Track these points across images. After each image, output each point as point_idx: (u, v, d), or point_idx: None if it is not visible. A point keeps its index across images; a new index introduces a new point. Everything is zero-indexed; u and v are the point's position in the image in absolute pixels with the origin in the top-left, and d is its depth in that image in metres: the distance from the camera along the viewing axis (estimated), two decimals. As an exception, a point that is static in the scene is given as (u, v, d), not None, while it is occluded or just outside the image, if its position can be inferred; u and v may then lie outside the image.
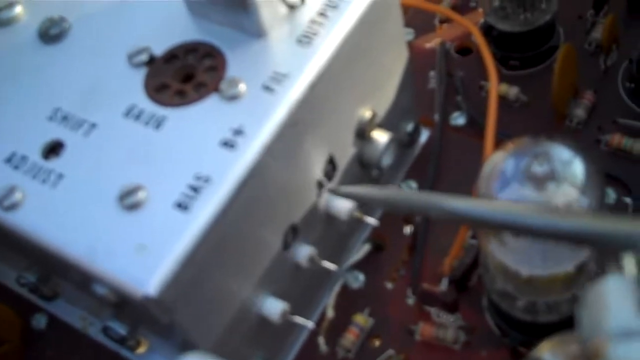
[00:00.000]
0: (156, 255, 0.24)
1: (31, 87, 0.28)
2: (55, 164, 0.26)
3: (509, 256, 0.25)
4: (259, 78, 0.26)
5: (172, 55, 0.28)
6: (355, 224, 0.33)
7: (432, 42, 0.39)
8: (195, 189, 0.25)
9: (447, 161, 0.35)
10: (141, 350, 0.33)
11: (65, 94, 0.28)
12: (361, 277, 0.33)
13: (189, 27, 0.28)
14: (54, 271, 0.31)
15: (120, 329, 0.31)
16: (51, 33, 0.29)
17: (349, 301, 0.32)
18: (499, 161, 0.25)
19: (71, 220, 0.25)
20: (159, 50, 0.28)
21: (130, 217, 0.25)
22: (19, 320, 0.34)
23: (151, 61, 0.28)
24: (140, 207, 0.25)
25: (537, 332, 0.28)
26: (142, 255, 0.24)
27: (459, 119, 0.36)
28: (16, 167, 0.26)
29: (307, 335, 0.32)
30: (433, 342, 0.31)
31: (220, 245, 0.25)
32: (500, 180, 0.25)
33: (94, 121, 0.27)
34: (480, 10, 0.39)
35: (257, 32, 0.27)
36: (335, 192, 0.29)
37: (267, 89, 0.26)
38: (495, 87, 0.32)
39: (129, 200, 0.25)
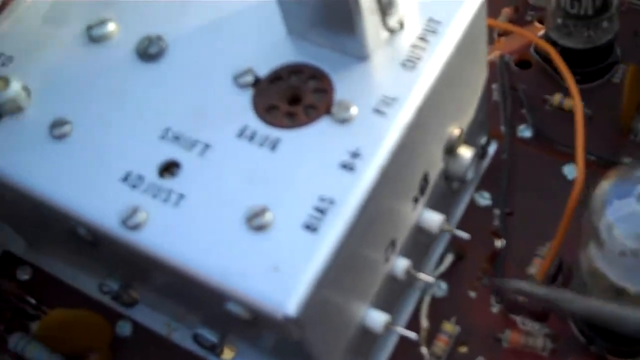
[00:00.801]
0: (291, 276, 0.25)
1: (137, 106, 0.29)
2: (174, 183, 0.27)
3: (616, 272, 0.27)
4: (369, 101, 0.27)
5: (276, 77, 0.29)
6: (434, 235, 0.34)
7: (491, 55, 0.40)
8: (321, 211, 0.26)
9: (517, 173, 0.36)
10: (227, 356, 0.34)
11: (172, 113, 0.29)
12: (444, 286, 0.34)
13: (288, 49, 0.29)
14: (160, 285, 0.31)
15: (211, 336, 0.32)
16: (150, 52, 0.30)
17: (434, 310, 0.33)
18: (611, 187, 0.26)
19: (199, 241, 0.26)
20: (261, 71, 0.29)
21: (259, 238, 0.25)
22: (110, 327, 0.35)
23: (256, 82, 0.29)
24: (268, 228, 0.25)
25: (625, 340, 0.30)
26: (277, 275, 0.25)
27: (525, 132, 0.37)
28: (134, 187, 0.27)
29: (394, 344, 0.33)
30: (520, 350, 0.32)
31: (344, 263, 0.26)
32: (614, 200, 0.26)
33: (207, 141, 0.28)
34: (537, 24, 0.40)
35: (361, 55, 0.28)
36: (503, 285, 0.31)
37: (378, 112, 0.27)
38: (579, 104, 0.33)
39: (256, 222, 0.26)
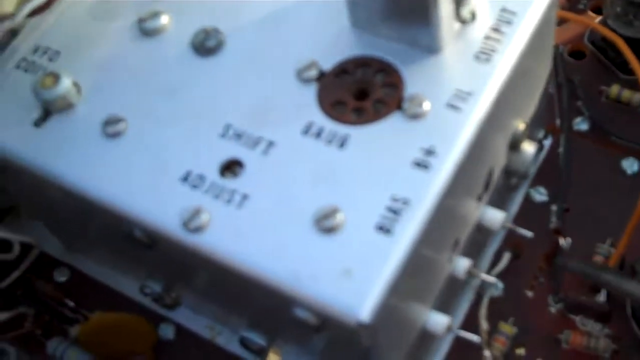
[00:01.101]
0: (365, 280, 0.23)
1: (195, 103, 0.28)
2: (237, 183, 0.26)
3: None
4: (441, 96, 0.26)
5: (341, 71, 0.27)
6: (493, 233, 0.33)
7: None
8: (394, 211, 0.24)
9: (574, 167, 0.35)
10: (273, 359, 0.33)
11: (233, 110, 0.27)
12: (500, 285, 0.33)
13: (354, 41, 0.28)
14: (209, 287, 0.30)
15: (259, 339, 0.31)
16: (208, 45, 0.28)
17: (491, 310, 0.32)
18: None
19: (266, 244, 0.25)
20: (326, 65, 0.28)
21: (330, 241, 0.24)
22: (154, 331, 0.33)
23: (321, 76, 0.27)
24: (339, 230, 0.24)
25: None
26: (350, 280, 0.24)
27: (581, 125, 0.36)
28: (195, 187, 0.26)
29: (448, 347, 0.32)
30: (580, 351, 0.31)
31: (415, 266, 0.25)
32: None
33: (271, 139, 0.26)
34: (590, 13, 0.39)
35: (433, 48, 0.27)
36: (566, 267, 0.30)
37: (452, 107, 0.26)
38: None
39: (326, 223, 0.24)
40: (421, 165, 0.25)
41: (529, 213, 0.35)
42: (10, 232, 0.35)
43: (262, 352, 0.32)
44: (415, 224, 0.24)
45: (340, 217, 0.24)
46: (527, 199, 0.35)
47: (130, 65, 0.29)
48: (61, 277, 0.36)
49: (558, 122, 0.36)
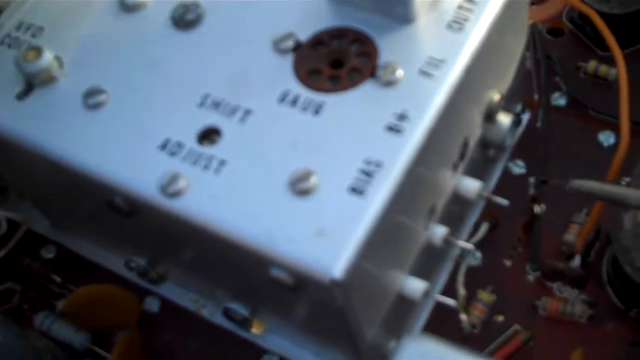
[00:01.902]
0: (338, 240, 0.24)
1: (174, 74, 0.28)
2: (214, 150, 0.26)
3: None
4: (414, 63, 0.27)
5: (317, 41, 0.28)
6: (467, 203, 0.34)
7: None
8: (367, 174, 0.25)
9: (552, 141, 0.36)
10: (257, 330, 0.34)
11: (211, 80, 0.28)
12: (478, 255, 0.34)
13: (329, 13, 0.28)
14: (192, 257, 0.31)
15: (242, 310, 0.32)
16: (187, 19, 0.29)
17: (469, 279, 0.33)
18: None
19: (242, 207, 0.25)
20: (302, 36, 0.28)
21: (304, 203, 0.25)
22: (138, 303, 0.34)
23: (297, 47, 0.28)
24: (313, 192, 0.25)
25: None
26: (323, 239, 0.24)
27: (559, 100, 0.37)
28: (173, 154, 0.27)
29: (428, 313, 0.33)
30: (558, 317, 0.32)
31: (388, 228, 0.25)
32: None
33: (248, 107, 0.27)
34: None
35: (406, 18, 0.27)
36: (573, 188, 0.30)
37: (425, 74, 0.27)
38: (623, 69, 0.32)
39: (300, 186, 0.25)
40: (394, 129, 0.26)
41: (507, 185, 0.35)
42: (-2, 210, 0.36)
43: (245, 323, 0.32)
44: (387, 186, 0.25)
45: (314, 180, 0.25)
46: (506, 172, 0.36)
47: (112, 39, 0.29)
48: (48, 254, 0.37)
49: (536, 97, 0.37)
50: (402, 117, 0.26)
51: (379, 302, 0.28)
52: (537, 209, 0.34)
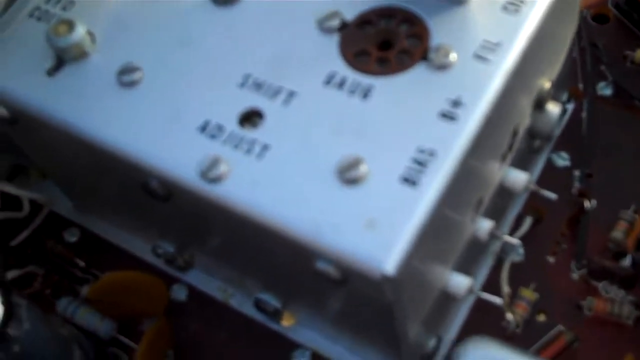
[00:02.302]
0: (390, 232, 0.23)
1: (213, 52, 0.27)
2: (257, 133, 0.25)
3: None
4: (468, 47, 0.25)
5: (364, 21, 0.27)
6: (510, 196, 0.32)
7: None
8: (420, 163, 0.24)
9: (597, 132, 0.34)
10: (287, 322, 0.33)
11: (252, 60, 0.26)
12: (521, 250, 0.32)
13: (378, -9, 0.27)
14: (224, 245, 0.29)
15: (274, 301, 0.31)
16: (226, -6, 0.28)
17: (512, 276, 0.32)
18: None
19: (287, 194, 0.24)
20: (348, 15, 0.27)
21: (353, 192, 0.23)
22: (166, 290, 0.33)
23: (343, 26, 0.27)
24: (362, 181, 0.24)
25: None
26: (374, 232, 0.23)
27: (605, 89, 0.35)
28: (213, 137, 0.25)
29: (467, 310, 0.32)
30: (603, 318, 0.30)
31: (439, 221, 0.24)
32: None
33: (292, 89, 0.26)
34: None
35: (459, -1, 0.26)
36: None
37: (480, 58, 0.25)
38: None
39: (350, 174, 0.24)
40: (448, 116, 0.24)
41: (550, 178, 0.34)
42: (21, 190, 0.34)
43: (276, 314, 0.31)
44: (441, 176, 0.23)
45: (363, 168, 0.24)
46: (549, 164, 0.34)
47: (147, 14, 0.28)
48: (71, 237, 0.36)
49: (581, 86, 0.35)
50: (456, 103, 0.24)
51: (425, 298, 0.27)
52: (587, 204, 0.32)
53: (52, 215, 0.36)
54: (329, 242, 0.23)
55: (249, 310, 0.33)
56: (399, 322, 0.25)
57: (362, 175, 0.24)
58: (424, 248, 0.24)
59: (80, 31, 0.27)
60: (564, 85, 0.34)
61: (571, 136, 0.34)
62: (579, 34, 0.36)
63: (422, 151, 0.24)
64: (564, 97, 0.34)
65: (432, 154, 0.24)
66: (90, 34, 0.28)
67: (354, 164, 0.24)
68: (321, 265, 0.24)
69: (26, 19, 0.29)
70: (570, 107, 0.35)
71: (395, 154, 0.24)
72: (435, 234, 0.24)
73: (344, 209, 0.23)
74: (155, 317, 0.32)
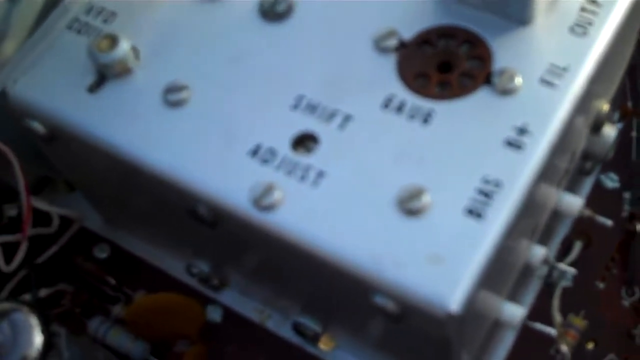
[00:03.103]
0: (454, 268, 0.22)
1: (263, 71, 0.26)
2: (311, 159, 0.24)
3: None
4: (534, 71, 0.24)
5: (423, 40, 0.25)
6: (559, 219, 0.31)
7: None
8: (485, 194, 0.22)
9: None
10: (326, 346, 0.31)
11: (305, 80, 0.25)
12: (570, 276, 0.31)
13: (437, 9, 0.26)
14: (264, 268, 0.28)
15: (314, 325, 0.30)
16: (277, 10, 0.26)
17: (560, 302, 0.31)
18: None
19: (344, 225, 0.23)
20: (406, 34, 0.26)
21: (415, 224, 0.22)
22: (202, 313, 0.32)
23: (401, 46, 0.25)
24: (425, 212, 0.22)
25: None
26: (438, 267, 0.22)
27: (654, 107, 0.35)
28: (265, 161, 0.24)
29: (513, 338, 0.31)
30: (656, 347, 0.30)
31: (504, 253, 0.23)
32: None
33: (348, 112, 0.24)
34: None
35: (524, 19, 0.25)
36: None
37: (546, 82, 0.24)
38: None
39: (411, 205, 0.22)
40: (514, 144, 0.23)
41: (599, 200, 0.33)
42: (50, 205, 0.33)
43: (315, 338, 0.30)
44: (507, 208, 0.22)
45: (426, 199, 0.23)
46: (598, 186, 0.33)
47: (193, 29, 0.27)
48: (101, 253, 0.35)
49: (630, 104, 0.34)
50: (522, 131, 0.23)
51: (481, 329, 0.26)
52: (639, 227, 0.31)
53: (82, 231, 0.35)
54: (389, 277, 0.22)
55: (286, 332, 0.32)
56: (455, 354, 0.24)
57: (425, 206, 0.22)
58: (488, 281, 0.23)
59: (124, 47, 0.26)
60: (616, 104, 0.32)
61: (620, 156, 0.33)
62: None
63: (487, 182, 0.23)
64: (616, 116, 0.33)
65: (497, 184, 0.23)
66: (135, 49, 0.26)
67: (416, 194, 0.23)
68: (379, 300, 0.23)
69: (65, 31, 0.28)
70: (619, 126, 0.34)
71: (459, 184, 0.23)
72: (498, 267, 0.23)
73: (405, 241, 0.22)
74: (189, 339, 0.31)
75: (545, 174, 0.24)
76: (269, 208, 0.23)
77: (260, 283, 0.31)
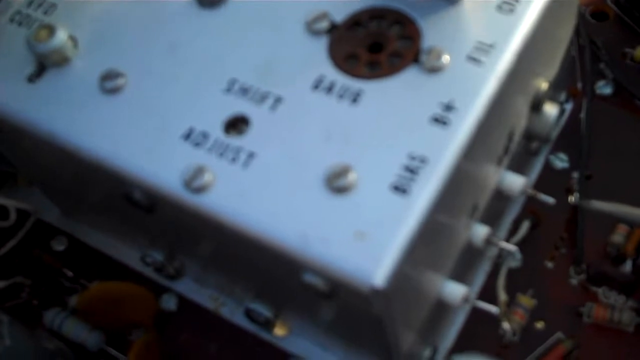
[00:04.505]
0: (380, 243, 0.22)
1: (198, 57, 0.26)
2: (243, 141, 0.24)
3: None
4: (461, 48, 0.24)
5: (354, 22, 0.26)
6: (507, 200, 0.31)
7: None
8: (411, 170, 0.23)
9: (596, 132, 0.33)
10: (280, 332, 0.32)
11: (238, 63, 0.26)
12: (518, 255, 0.31)
13: (368, -9, 0.26)
14: (214, 255, 0.29)
15: (266, 311, 0.30)
16: (212, -4, 0.27)
17: (509, 282, 0.31)
18: None
19: (273, 204, 0.23)
20: (337, 16, 0.26)
21: (342, 201, 0.23)
22: (155, 301, 0.32)
23: (332, 29, 0.26)
24: (351, 189, 0.23)
25: None
26: (363, 243, 0.22)
27: (604, 88, 0.35)
28: (197, 145, 0.24)
29: (464, 319, 0.31)
30: (604, 325, 0.30)
31: (432, 230, 0.23)
32: None
33: (279, 94, 0.25)
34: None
35: (452, -2, 0.25)
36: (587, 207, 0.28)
37: (473, 60, 0.24)
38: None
39: (338, 183, 0.23)
40: (440, 121, 0.23)
41: (549, 180, 0.33)
42: (7, 199, 0.34)
43: (268, 324, 0.31)
44: (433, 184, 0.23)
45: (352, 177, 0.23)
46: (548, 166, 0.33)
47: (132, 18, 0.27)
48: (59, 245, 0.35)
49: (580, 85, 0.34)
50: (448, 107, 0.24)
51: (419, 308, 0.26)
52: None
53: (39, 224, 0.35)
54: (316, 254, 0.22)
55: (240, 320, 0.32)
56: (391, 332, 0.25)
57: (351, 183, 0.23)
58: (416, 258, 0.23)
59: (61, 36, 0.26)
60: (562, 85, 0.33)
61: (570, 137, 0.34)
62: (577, 32, 0.35)
63: (412, 158, 0.23)
64: (562, 97, 0.33)
65: (423, 160, 0.23)
66: (73, 38, 0.27)
67: (342, 172, 0.23)
68: (308, 278, 0.23)
69: (7, 24, 0.28)
70: (569, 107, 0.34)
71: (385, 161, 0.23)
72: (428, 243, 0.24)
73: (332, 219, 0.22)
74: (144, 327, 0.32)
75: (475, 150, 0.24)
76: (200, 190, 0.24)
77: (211, 270, 0.31)
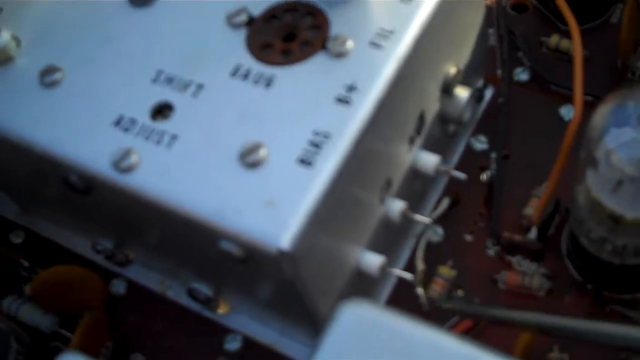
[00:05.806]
0: (286, 210, 0.24)
1: (129, 51, 0.28)
2: (167, 125, 0.27)
3: (615, 201, 0.26)
4: (364, 35, 0.27)
5: (271, 15, 0.28)
6: (428, 179, 0.34)
7: (487, 0, 0.39)
8: (316, 145, 0.25)
9: (514, 116, 0.36)
10: (222, 310, 0.34)
11: (165, 56, 0.28)
12: (440, 230, 0.34)
13: (283, -13, 0.29)
14: (153, 236, 0.31)
15: (206, 289, 0.32)
16: (142, -4, 0.29)
17: (431, 254, 0.33)
18: (608, 110, 0.26)
19: (193, 180, 0.25)
20: (255, 10, 0.28)
21: (253, 175, 0.25)
22: (103, 283, 0.34)
23: (250, 21, 0.28)
24: (262, 164, 0.25)
25: (622, 275, 0.30)
26: (272, 210, 0.24)
27: (522, 75, 0.37)
28: (126, 130, 0.27)
29: (390, 288, 0.33)
30: (517, 290, 0.32)
31: (338, 199, 0.26)
32: (612, 127, 0.26)
33: (200, 82, 0.27)
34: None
35: (357, -10, 0.28)
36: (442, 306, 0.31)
37: (375, 45, 0.27)
38: (579, 42, 0.32)
39: (250, 158, 0.25)
40: (343, 100, 0.26)
41: (470, 161, 0.35)
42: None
43: (210, 303, 0.33)
44: (335, 157, 0.25)
45: (263, 152, 0.25)
46: (469, 148, 0.36)
47: (69, 17, 0.30)
48: (17, 238, 0.37)
49: (499, 72, 0.37)
50: (351, 88, 0.26)
51: (333, 275, 0.28)
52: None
53: (-2, 219, 0.37)
54: (230, 223, 0.25)
55: (185, 300, 0.34)
56: (306, 298, 0.27)
57: (262, 158, 0.25)
58: (324, 225, 0.25)
59: (5, 37, 0.29)
60: (480, 71, 0.35)
61: (490, 121, 0.36)
62: (497, 23, 0.38)
63: (317, 134, 0.25)
64: (480, 83, 0.35)
65: (326, 136, 0.25)
66: (16, 38, 0.29)
67: (254, 148, 0.25)
68: (225, 245, 0.25)
69: (-46, 28, 0.30)
70: (490, 93, 0.37)
71: (293, 137, 0.25)
72: (336, 212, 0.26)
73: (245, 191, 0.25)
74: (93, 310, 0.34)
75: (378, 127, 0.26)
76: (127, 170, 0.26)
77: (154, 254, 0.33)
